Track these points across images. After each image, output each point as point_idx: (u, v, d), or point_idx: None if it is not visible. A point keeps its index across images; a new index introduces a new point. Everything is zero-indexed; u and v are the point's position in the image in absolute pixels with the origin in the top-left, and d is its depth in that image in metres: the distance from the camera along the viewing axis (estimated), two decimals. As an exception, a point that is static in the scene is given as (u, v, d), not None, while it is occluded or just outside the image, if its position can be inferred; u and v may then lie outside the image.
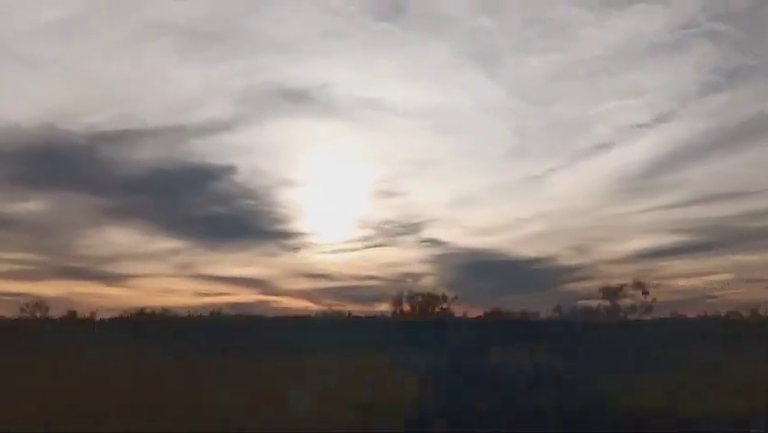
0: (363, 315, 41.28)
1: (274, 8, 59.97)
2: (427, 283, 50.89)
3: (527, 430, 10.78)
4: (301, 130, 63.94)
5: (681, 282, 52.84)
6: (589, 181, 63.15)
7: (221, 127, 59.54)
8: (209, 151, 63.94)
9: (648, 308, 37.17)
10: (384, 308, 41.54)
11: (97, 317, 40.99)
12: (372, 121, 62.39)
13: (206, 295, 59.74)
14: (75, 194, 54.67)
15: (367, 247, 56.99)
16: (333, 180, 66.37)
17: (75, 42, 56.63)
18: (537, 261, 53.63)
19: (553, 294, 52.14)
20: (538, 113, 66.35)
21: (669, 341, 28.05)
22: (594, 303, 38.96)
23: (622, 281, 36.16)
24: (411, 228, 61.34)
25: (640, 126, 60.55)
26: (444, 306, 39.72)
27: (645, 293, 37.06)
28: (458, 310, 40.31)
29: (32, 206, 52.58)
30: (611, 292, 37.34)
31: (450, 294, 40.91)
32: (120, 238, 56.42)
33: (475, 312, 41.49)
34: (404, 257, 59.87)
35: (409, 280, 43.92)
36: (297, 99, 59.49)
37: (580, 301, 44.92)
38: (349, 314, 41.23)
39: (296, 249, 55.09)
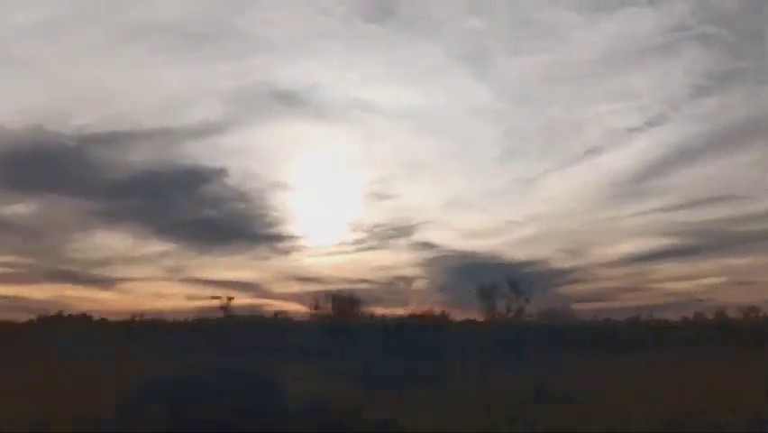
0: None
1: (264, 9, 59.81)
2: (420, 286, 49.35)
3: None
4: (292, 132, 63.10)
5: (672, 286, 52.61)
6: (580, 184, 63.25)
7: (212, 129, 58.68)
8: (200, 153, 63.37)
9: (520, 309, 35.30)
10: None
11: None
12: (364, 123, 61.92)
13: (198, 298, 57.46)
14: (64, 197, 54.26)
15: (359, 250, 56.09)
16: (325, 183, 65.79)
17: (63, 43, 56.20)
18: (529, 264, 52.94)
19: (545, 297, 51.32)
20: (530, 115, 66.31)
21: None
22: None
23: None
24: (403, 231, 60.74)
25: (631, 130, 60.33)
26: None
27: (520, 294, 35.28)
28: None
29: (21, 208, 51.93)
30: (486, 294, 35.51)
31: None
32: (110, 241, 55.32)
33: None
34: (396, 260, 58.62)
35: (401, 283, 42.98)
36: (288, 101, 58.81)
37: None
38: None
39: (287, 252, 53.32)
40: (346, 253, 56.51)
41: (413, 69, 66.32)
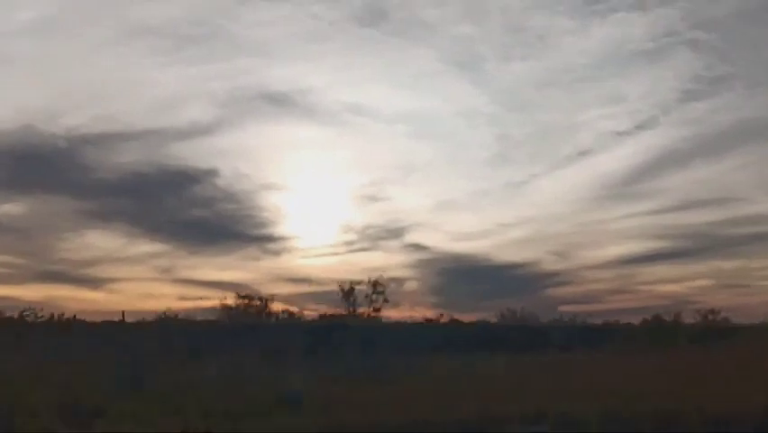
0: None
1: (255, 11, 60.10)
2: (412, 288, 50.94)
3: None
4: (283, 134, 64.28)
5: (661, 288, 53.40)
6: (570, 188, 63.63)
7: (202, 130, 59.96)
8: (191, 154, 63.90)
9: (377, 308, 35.22)
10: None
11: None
12: (355, 126, 63.13)
13: (188, 299, 59.67)
14: (55, 196, 54.67)
15: (350, 252, 57.38)
16: (316, 184, 66.73)
17: (54, 43, 56.48)
18: (519, 266, 54.21)
19: (535, 299, 52.60)
20: (520, 119, 66.75)
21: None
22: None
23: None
24: (394, 233, 61.85)
25: (621, 134, 60.72)
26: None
27: (380, 292, 35.09)
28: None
29: (11, 208, 51.47)
30: (349, 291, 35.57)
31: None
32: (101, 242, 56.09)
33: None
34: (387, 262, 60.09)
35: (392, 284, 44.33)
36: (279, 103, 60.35)
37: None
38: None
39: (277, 253, 55.35)
40: (337, 254, 57.78)
41: (405, 73, 66.72)
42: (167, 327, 31.17)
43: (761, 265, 54.97)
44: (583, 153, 61.89)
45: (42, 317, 33.89)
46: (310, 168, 65.23)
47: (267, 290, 50.46)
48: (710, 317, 36.81)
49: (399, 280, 52.76)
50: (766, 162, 63.16)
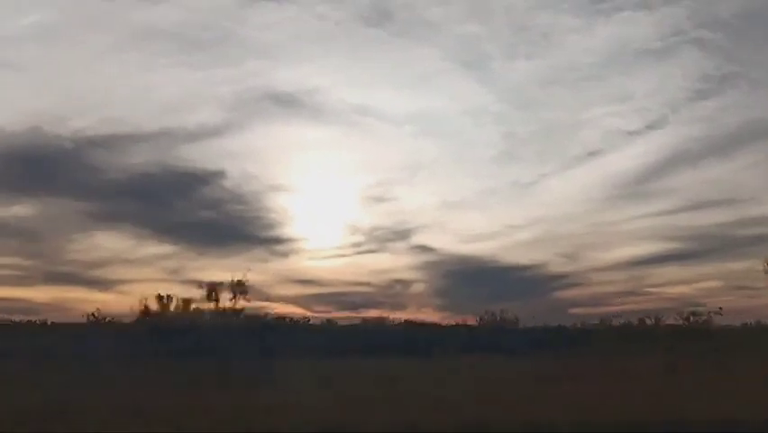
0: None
1: (261, 14, 60.96)
2: (418, 289, 49.79)
3: None
4: (290, 135, 64.21)
5: (670, 290, 50.91)
6: (579, 188, 61.67)
7: (210, 132, 60.60)
8: (198, 156, 64.50)
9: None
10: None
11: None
12: (361, 126, 62.68)
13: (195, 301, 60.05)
14: (63, 199, 55.32)
15: (357, 253, 56.63)
16: (323, 185, 66.26)
17: (62, 47, 58.30)
18: (528, 268, 52.49)
19: (544, 302, 50.82)
20: (528, 118, 65.11)
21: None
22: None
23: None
24: (401, 234, 60.58)
25: (630, 133, 58.58)
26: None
27: (243, 293, 35.24)
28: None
29: (20, 210, 52.25)
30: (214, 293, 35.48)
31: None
32: (109, 243, 57.12)
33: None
34: (394, 263, 58.87)
35: (399, 286, 43.28)
36: (286, 104, 60.48)
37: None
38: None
39: (285, 254, 54.92)
40: (345, 256, 57.14)
41: (411, 72, 66.51)
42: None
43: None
44: (592, 153, 59.81)
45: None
46: (317, 169, 64.97)
47: (275, 291, 50.52)
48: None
49: (406, 283, 51.97)
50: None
